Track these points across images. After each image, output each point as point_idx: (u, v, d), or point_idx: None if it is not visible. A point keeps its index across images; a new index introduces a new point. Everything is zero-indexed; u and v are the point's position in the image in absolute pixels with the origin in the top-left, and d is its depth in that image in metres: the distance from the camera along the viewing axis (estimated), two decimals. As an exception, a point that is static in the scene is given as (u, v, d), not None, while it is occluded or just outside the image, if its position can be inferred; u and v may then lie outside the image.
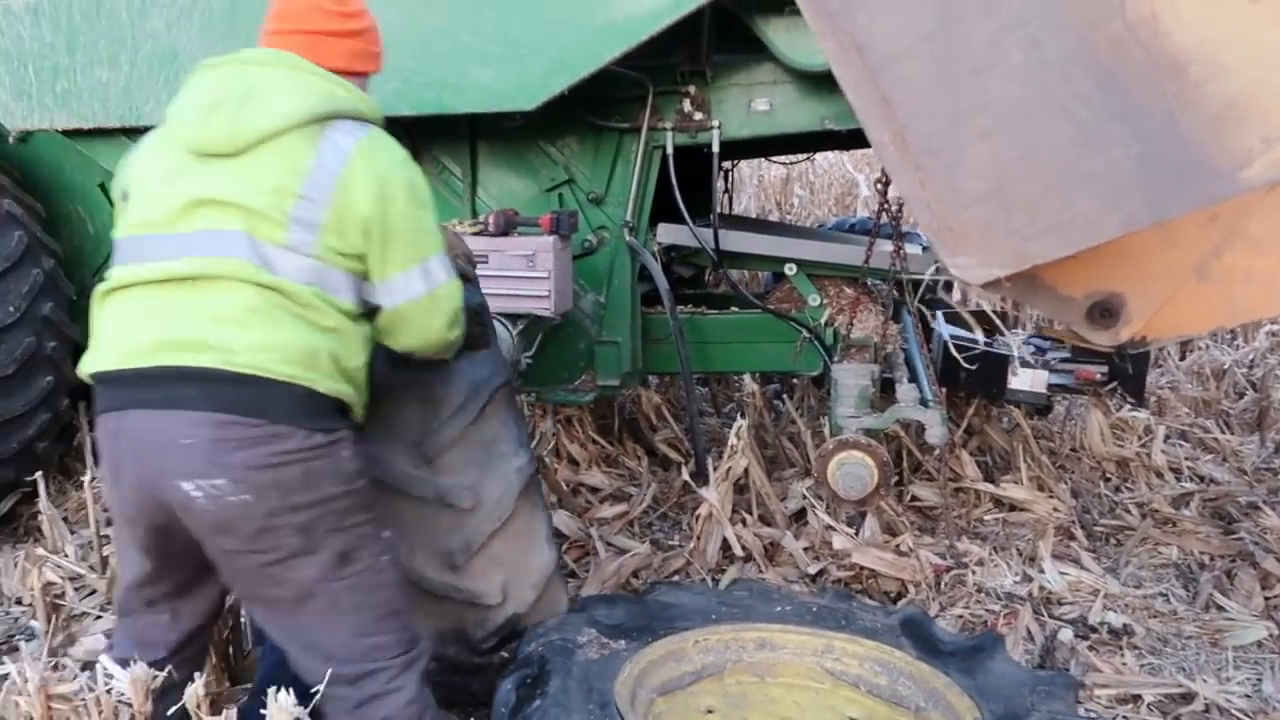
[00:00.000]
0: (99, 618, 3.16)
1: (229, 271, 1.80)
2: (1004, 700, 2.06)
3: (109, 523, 3.52)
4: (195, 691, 1.65)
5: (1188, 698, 2.74)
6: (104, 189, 4.06)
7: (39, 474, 3.57)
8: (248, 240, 1.81)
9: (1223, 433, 4.78)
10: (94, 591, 3.34)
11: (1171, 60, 1.19)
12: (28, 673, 1.66)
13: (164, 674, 1.75)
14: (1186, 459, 4.43)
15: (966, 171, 1.27)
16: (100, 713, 1.65)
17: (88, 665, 1.89)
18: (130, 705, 1.66)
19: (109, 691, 1.67)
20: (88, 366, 1.91)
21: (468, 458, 2.40)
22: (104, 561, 3.45)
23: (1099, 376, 4.13)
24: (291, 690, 1.71)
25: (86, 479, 3.44)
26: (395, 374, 2.18)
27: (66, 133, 3.67)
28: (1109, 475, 4.32)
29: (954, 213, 1.29)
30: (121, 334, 1.87)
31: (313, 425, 1.82)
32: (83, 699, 1.69)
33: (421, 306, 1.97)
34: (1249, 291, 1.65)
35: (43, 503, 3.56)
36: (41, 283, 3.74)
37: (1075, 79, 1.22)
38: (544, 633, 2.39)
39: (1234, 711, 2.66)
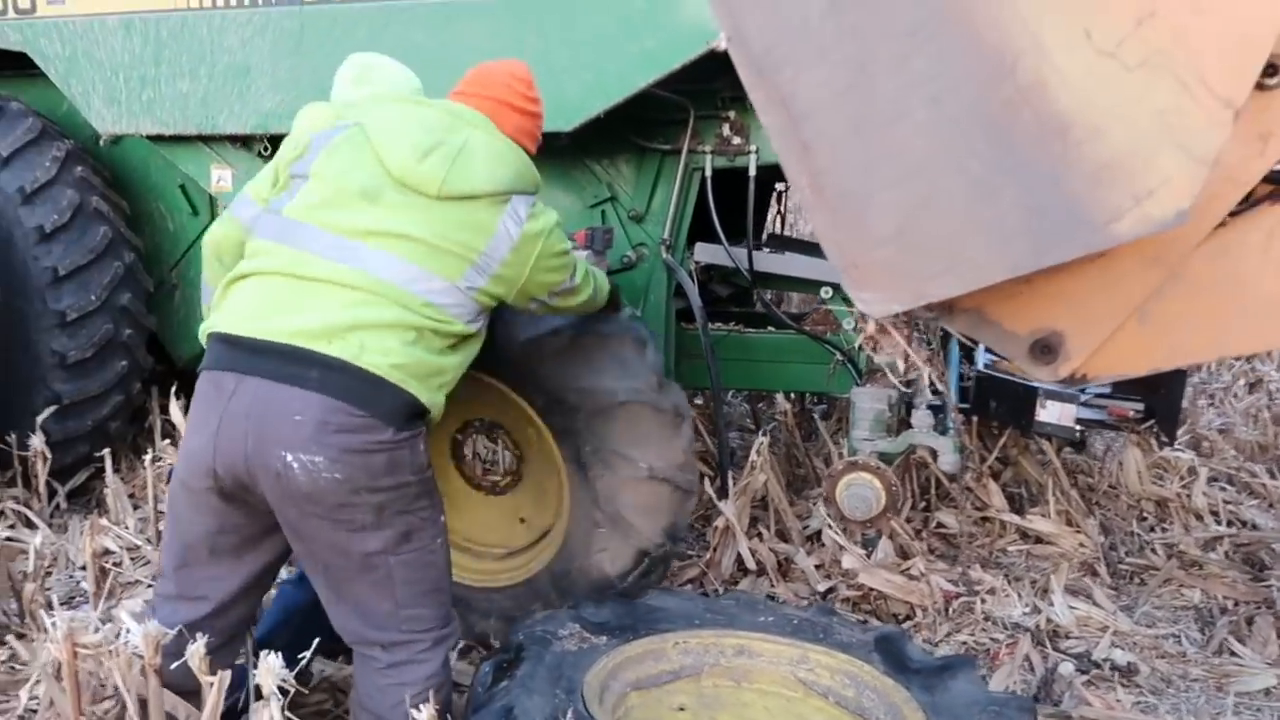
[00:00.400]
0: (150, 585, 3.44)
1: (391, 295, 2.05)
2: (954, 716, 2.13)
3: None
4: (198, 650, 1.84)
5: (1176, 739, 2.75)
6: (184, 190, 4.39)
7: (107, 451, 3.89)
8: (422, 274, 2.09)
9: (1272, 478, 4.66)
10: (148, 562, 3.63)
11: (1056, 122, 1.27)
12: (59, 623, 1.88)
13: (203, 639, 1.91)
14: (1228, 503, 4.34)
15: (874, 216, 1.38)
16: (116, 662, 1.86)
17: (109, 620, 2.10)
18: (142, 657, 1.87)
19: (125, 644, 1.88)
20: (217, 325, 2.11)
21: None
22: (159, 535, 3.74)
23: (1133, 413, 4.11)
24: (281, 655, 1.89)
25: (148, 459, 3.73)
26: None
27: (150, 138, 3.99)
28: (1145, 514, 4.27)
29: (861, 252, 1.40)
30: (264, 308, 2.05)
31: (402, 423, 2.06)
32: (102, 649, 1.90)
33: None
34: (1188, 335, 1.70)
35: (109, 477, 3.88)
36: (121, 275, 4.07)
37: (971, 135, 1.31)
38: (530, 625, 2.54)
39: (1219, 756, 2.65)
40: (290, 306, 2.03)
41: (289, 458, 1.96)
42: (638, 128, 3.79)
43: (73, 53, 3.91)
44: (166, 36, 3.78)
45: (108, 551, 3.40)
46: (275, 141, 3.91)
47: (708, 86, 3.70)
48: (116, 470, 4.02)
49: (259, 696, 1.79)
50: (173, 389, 3.82)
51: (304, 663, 1.95)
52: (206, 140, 3.96)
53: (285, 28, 3.59)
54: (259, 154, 3.93)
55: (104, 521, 3.67)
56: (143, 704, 1.92)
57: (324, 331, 1.99)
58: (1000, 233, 1.33)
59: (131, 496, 4.08)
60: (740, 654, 2.57)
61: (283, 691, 1.80)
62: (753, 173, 3.81)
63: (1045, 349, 1.71)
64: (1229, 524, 4.15)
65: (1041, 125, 1.28)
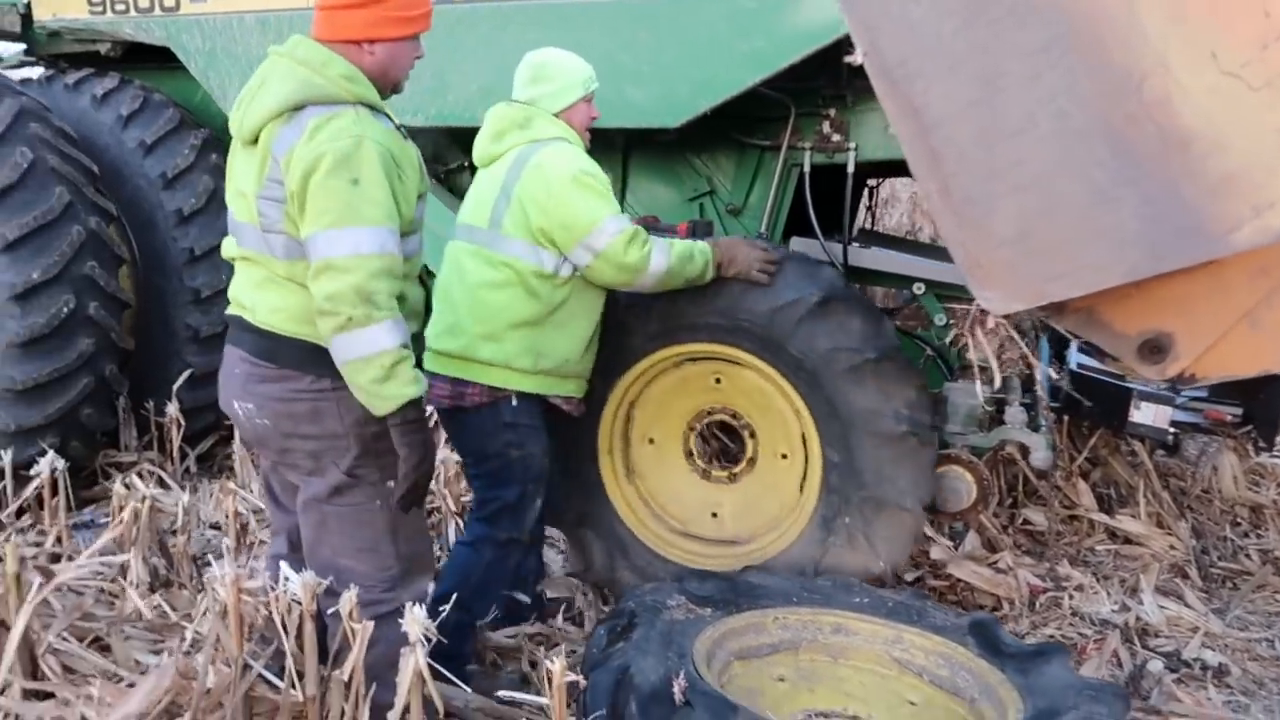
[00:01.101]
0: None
1: (251, 255, 2.23)
2: (1050, 698, 2.22)
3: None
4: (350, 598, 2.05)
5: (1266, 737, 2.78)
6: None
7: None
8: (250, 227, 2.19)
9: (1377, 489, 4.57)
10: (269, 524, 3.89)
11: (1179, 136, 1.36)
12: (227, 570, 2.10)
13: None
14: (1326, 511, 4.29)
15: (998, 219, 1.48)
16: (278, 606, 2.08)
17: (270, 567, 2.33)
18: (300, 604, 2.08)
19: (285, 591, 2.10)
20: None
21: None
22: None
23: (1230, 418, 4.08)
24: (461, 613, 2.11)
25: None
26: None
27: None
28: (1239, 520, 4.25)
29: (984, 253, 1.50)
30: (232, 290, 2.35)
31: (321, 371, 2.17)
32: (264, 596, 2.12)
33: (319, 267, 2.07)
34: (1298, 341, 1.77)
35: (236, 444, 4.16)
36: (83, 240, 3.86)
37: (1095, 147, 1.40)
38: (640, 594, 2.70)
39: (1309, 755, 2.68)
40: (232, 285, 2.35)
41: (235, 405, 2.31)
42: (738, 124, 3.90)
43: (212, 48, 4.19)
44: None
45: (236, 513, 3.65)
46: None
47: (809, 84, 3.79)
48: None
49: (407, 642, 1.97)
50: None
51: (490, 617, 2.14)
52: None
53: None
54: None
55: (232, 485, 3.95)
56: (299, 644, 2.13)
57: (242, 300, 2.29)
58: (1119, 239, 1.43)
59: (254, 463, 4.35)
60: (837, 631, 2.69)
61: (427, 639, 1.98)
62: (851, 169, 3.89)
63: (1155, 349, 1.80)
64: (1326, 532, 4.11)
65: (1164, 139, 1.37)
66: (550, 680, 1.88)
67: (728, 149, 4.08)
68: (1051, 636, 3.34)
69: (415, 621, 1.99)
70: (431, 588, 2.45)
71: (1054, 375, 4.08)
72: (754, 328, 3.02)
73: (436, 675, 2.01)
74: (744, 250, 2.95)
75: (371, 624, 2.05)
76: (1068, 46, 1.41)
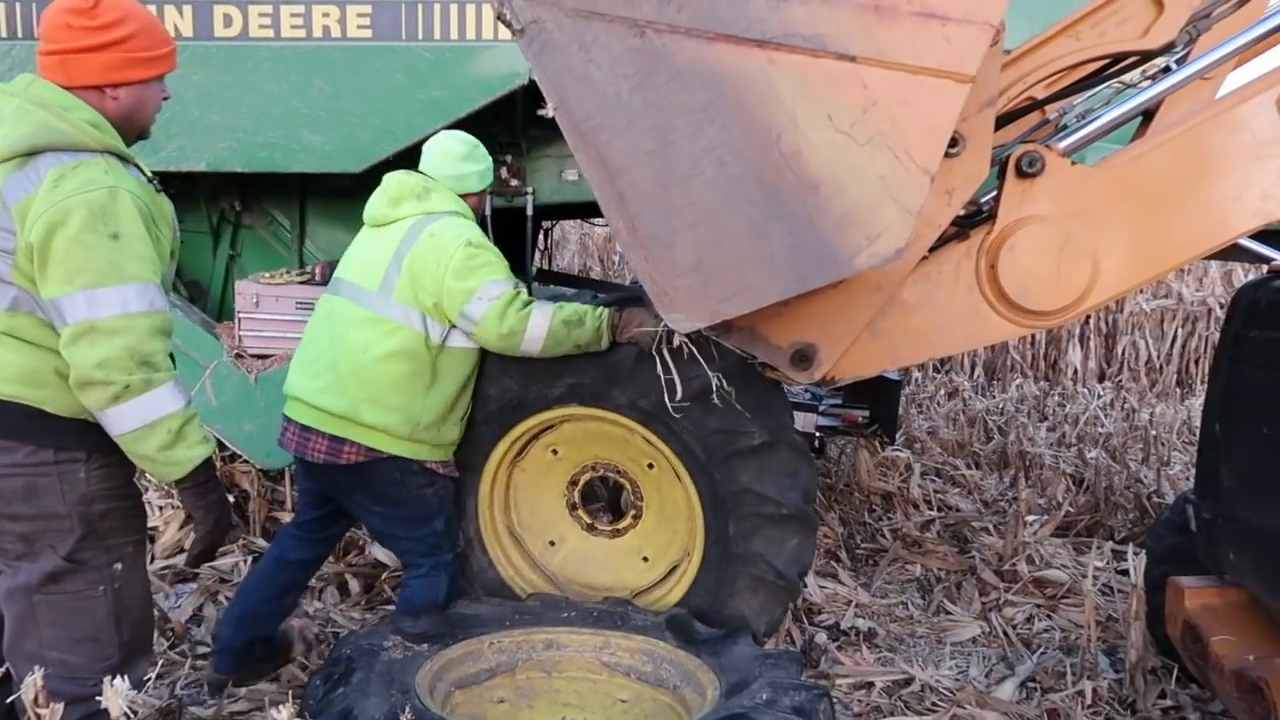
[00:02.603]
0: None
1: None
2: (740, 672, 2.53)
3: None
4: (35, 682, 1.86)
5: (909, 682, 3.29)
6: None
7: None
8: None
9: (970, 469, 5.54)
10: None
11: (810, 181, 1.69)
12: None
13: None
14: (938, 492, 5.13)
15: (677, 252, 1.73)
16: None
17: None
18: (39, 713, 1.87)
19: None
20: None
21: None
22: None
23: (861, 419, 4.81)
24: None
25: None
26: None
27: None
28: (874, 506, 4.96)
29: (668, 281, 1.75)
30: None
31: (43, 441, 1.93)
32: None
33: (78, 331, 1.90)
34: (906, 343, 2.21)
35: None
36: None
37: (749, 190, 1.70)
38: (354, 639, 2.68)
39: (942, 690, 3.23)
40: None
41: None
42: (419, 168, 4.00)
43: None
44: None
45: None
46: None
47: (486, 131, 3.98)
48: None
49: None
50: None
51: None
52: None
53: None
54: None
55: None
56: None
57: None
58: (773, 265, 1.73)
59: None
60: (549, 647, 2.84)
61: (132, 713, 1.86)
62: (530, 213, 4.12)
63: (803, 357, 2.15)
64: (938, 509, 4.92)
65: (800, 183, 1.69)
66: (279, 729, 1.84)
67: (408, 193, 4.15)
68: (736, 627, 3.72)
69: (116, 695, 1.86)
70: (149, 669, 2.21)
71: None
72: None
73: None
74: (640, 315, 2.84)
75: (68, 709, 1.85)
76: (721, 106, 1.68)
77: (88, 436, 1.97)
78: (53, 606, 2.01)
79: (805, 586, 3.83)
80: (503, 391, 3.03)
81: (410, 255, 2.81)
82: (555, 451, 3.26)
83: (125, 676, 1.94)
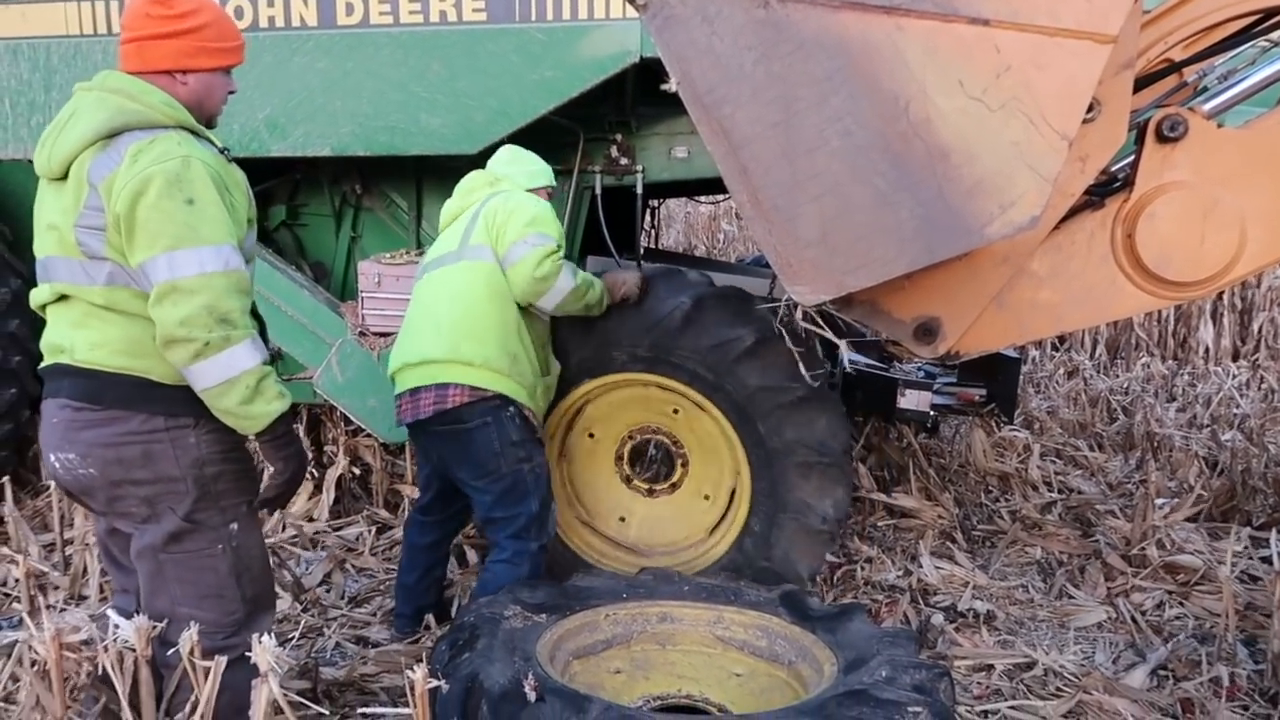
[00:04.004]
0: (63, 609, 3.43)
1: (65, 288, 2.10)
2: (857, 649, 2.50)
3: (70, 523, 3.81)
4: (190, 638, 1.99)
5: (1031, 666, 3.21)
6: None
7: (5, 480, 3.83)
8: (63, 260, 2.09)
9: (1092, 451, 5.34)
10: (57, 587, 3.60)
11: (940, 149, 1.64)
12: (44, 622, 1.98)
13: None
14: (1058, 473, 4.96)
15: (801, 224, 1.71)
16: (108, 657, 1.98)
17: (94, 618, 2.20)
18: (134, 650, 2.00)
19: (115, 640, 2.01)
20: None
21: None
22: (66, 561, 3.72)
23: (978, 398, 4.67)
24: None
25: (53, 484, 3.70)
26: None
27: (39, 163, 3.97)
28: (990, 487, 4.83)
29: (792, 253, 1.73)
30: (45, 339, 2.20)
31: (154, 409, 2.07)
32: (93, 647, 2.02)
33: (162, 292, 2.00)
34: (1034, 317, 2.14)
35: (9, 506, 3.82)
36: (9, 301, 4.02)
37: (876, 160, 1.67)
38: (476, 607, 2.76)
39: (1066, 675, 3.13)
40: (46, 332, 2.20)
41: (54, 458, 2.15)
42: (531, 149, 4.05)
43: (-45, 77, 3.85)
44: (58, 62, 3.78)
45: (30, 574, 3.35)
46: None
47: (595, 111, 4.01)
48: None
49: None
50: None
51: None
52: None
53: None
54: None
55: (6, 550, 3.63)
56: (133, 693, 2.04)
57: (58, 343, 2.14)
58: (900, 236, 1.69)
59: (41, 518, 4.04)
60: (664, 620, 2.87)
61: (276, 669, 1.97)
62: (639, 191, 4.13)
63: (926, 332, 2.11)
64: (1059, 491, 4.76)
65: (929, 152, 1.65)
66: (413, 690, 1.92)
67: (520, 174, 4.21)
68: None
69: (265, 651, 1.97)
70: (271, 624, 2.35)
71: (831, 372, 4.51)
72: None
73: (292, 704, 1.99)
74: (624, 276, 3.25)
75: (224, 660, 1.98)
76: (847, 75, 1.65)
77: (194, 403, 2.08)
78: (178, 565, 2.16)
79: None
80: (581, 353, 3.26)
81: (484, 210, 3.10)
82: (591, 435, 3.44)
83: (251, 629, 2.14)
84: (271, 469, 2.14)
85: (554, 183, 3.42)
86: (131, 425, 2.07)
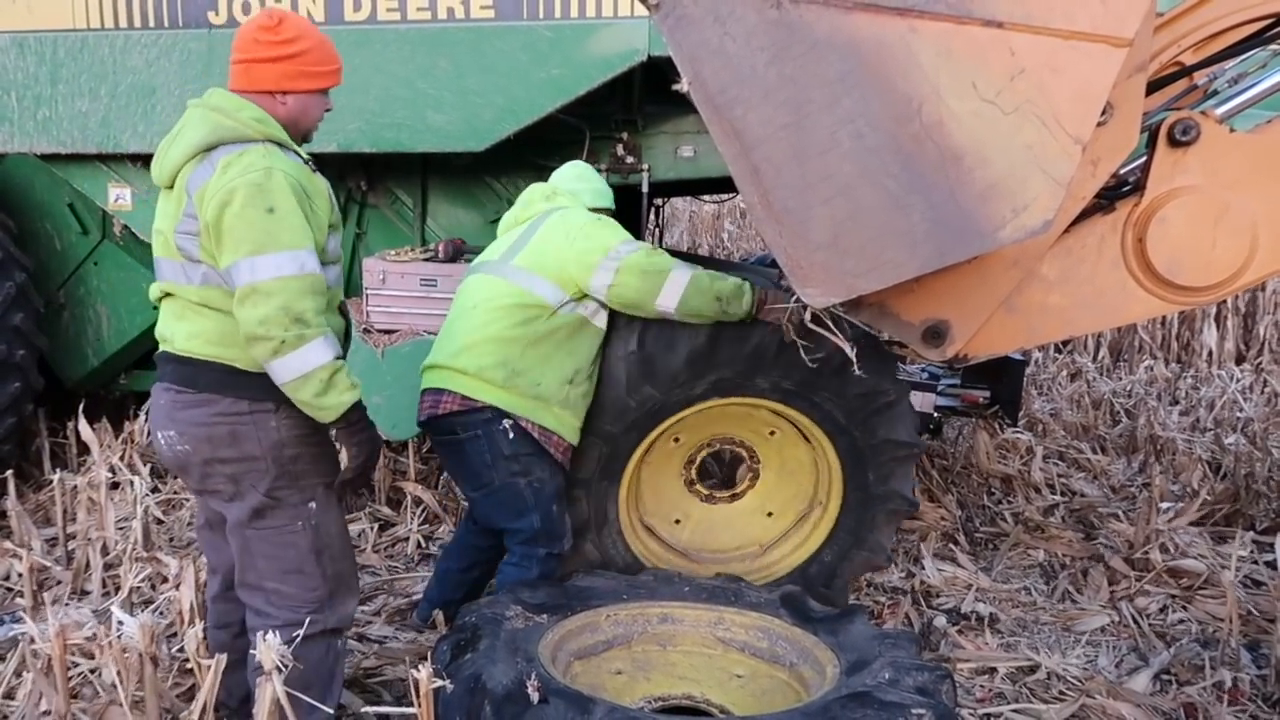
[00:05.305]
0: (67, 604, 3.43)
1: (170, 287, 2.31)
2: (859, 651, 2.50)
3: (73, 518, 3.80)
4: (195, 632, 1.99)
5: (1034, 670, 3.20)
6: (73, 209, 4.35)
7: (8, 474, 3.82)
8: (170, 263, 2.29)
9: (1095, 454, 5.33)
10: (60, 582, 3.58)
11: (953, 152, 1.63)
12: (48, 618, 1.98)
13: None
14: (1061, 476, 4.95)
15: (812, 226, 1.70)
16: (112, 654, 1.98)
17: (98, 614, 2.19)
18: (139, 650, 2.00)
19: (119, 637, 2.00)
20: None
21: None
22: (69, 556, 3.72)
23: (981, 400, 4.67)
24: None
25: (56, 478, 3.70)
26: None
27: (43, 157, 3.96)
28: (993, 489, 4.82)
29: (803, 255, 1.72)
30: (156, 329, 2.41)
31: (239, 393, 2.24)
32: (97, 644, 2.02)
33: (243, 294, 2.15)
34: (1044, 320, 2.13)
35: (11, 501, 3.82)
36: (13, 295, 4.02)
37: (887, 162, 1.66)
38: (477, 608, 2.75)
39: (1069, 679, 3.13)
40: (159, 322, 2.42)
41: (159, 435, 2.35)
42: (536, 147, 4.05)
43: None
44: (64, 56, 3.78)
45: (33, 569, 3.35)
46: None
47: (602, 110, 4.00)
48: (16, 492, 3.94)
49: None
50: (79, 408, 3.79)
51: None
52: (105, 159, 3.97)
53: (193, 49, 3.67)
54: (163, 172, 3.96)
55: (9, 544, 3.62)
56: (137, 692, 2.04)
57: (164, 333, 2.37)
58: (912, 239, 1.68)
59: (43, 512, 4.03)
60: (664, 621, 2.86)
61: (283, 667, 1.97)
62: (645, 189, 4.12)
63: (935, 334, 2.10)
64: (1062, 494, 4.75)
65: (941, 155, 1.64)
66: (417, 690, 1.91)
67: (526, 172, 4.20)
68: (853, 605, 3.68)
69: (269, 649, 1.96)
70: (354, 611, 2.51)
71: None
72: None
73: (297, 702, 1.99)
74: (780, 297, 2.87)
75: (223, 660, 2.06)
76: (859, 77, 1.64)
77: (275, 390, 2.23)
78: (262, 540, 2.33)
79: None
80: (644, 400, 3.05)
81: (540, 230, 2.99)
82: (676, 439, 3.34)
83: (333, 609, 2.38)
84: (348, 453, 2.27)
85: (605, 205, 3.30)
86: (221, 407, 2.24)
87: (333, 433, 2.27)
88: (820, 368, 2.91)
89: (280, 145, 2.27)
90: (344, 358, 2.28)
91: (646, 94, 3.97)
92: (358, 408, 2.28)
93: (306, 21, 2.38)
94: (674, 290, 2.83)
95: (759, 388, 3.05)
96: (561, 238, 2.94)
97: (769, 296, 2.88)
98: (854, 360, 2.60)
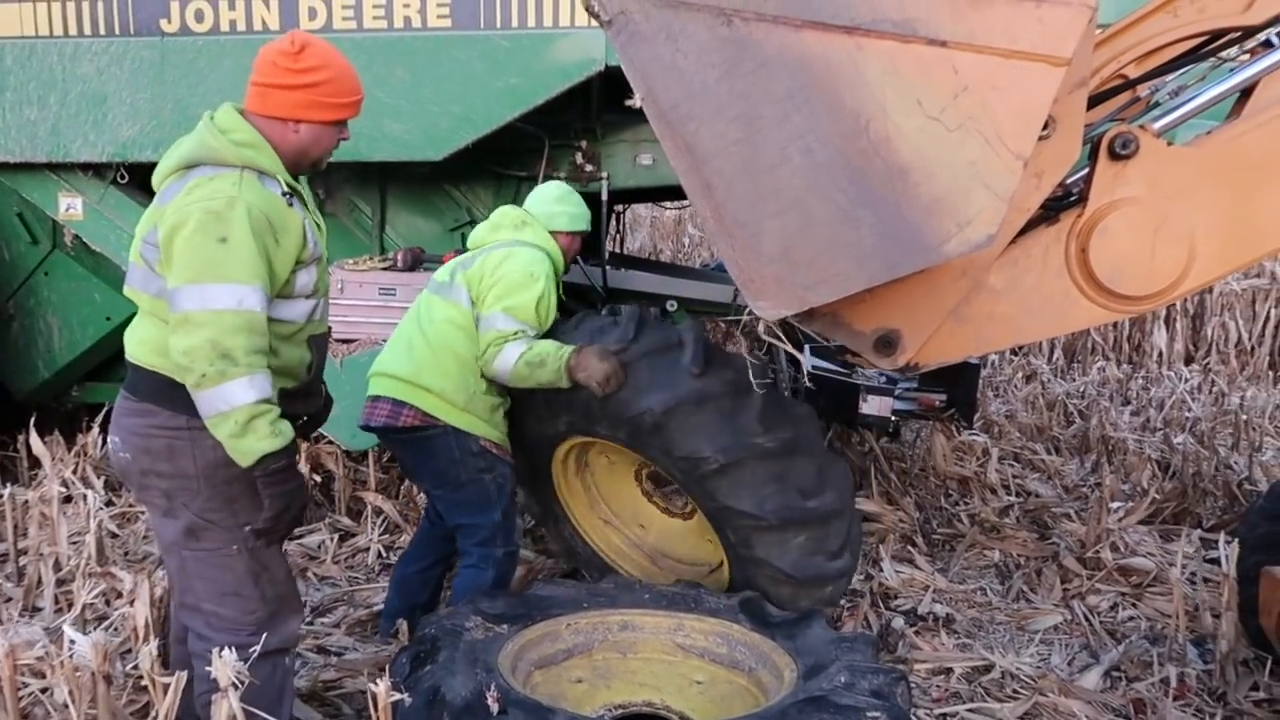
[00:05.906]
0: (17, 622, 3.37)
1: (133, 292, 2.28)
2: (816, 655, 2.53)
3: (24, 533, 3.74)
4: (150, 652, 1.97)
5: (989, 669, 3.26)
6: (22, 218, 4.27)
7: (-44, 487, 3.75)
8: (136, 269, 2.26)
9: (1049, 454, 5.43)
10: (10, 599, 3.52)
11: (899, 167, 1.67)
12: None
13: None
14: (1016, 477, 5.04)
15: (764, 240, 1.73)
16: (64, 674, 1.95)
17: (49, 631, 2.16)
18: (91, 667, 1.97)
19: (70, 656, 1.98)
20: None
21: None
22: (20, 572, 3.65)
23: (938, 403, 4.74)
24: None
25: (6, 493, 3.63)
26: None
27: (-10, 165, 3.90)
28: (950, 491, 4.90)
29: (755, 268, 1.75)
30: None
31: (179, 407, 2.16)
32: (48, 663, 1.99)
33: (176, 320, 2.11)
34: (992, 329, 2.17)
35: (-42, 514, 3.74)
36: None
37: (836, 177, 1.69)
38: (436, 619, 2.75)
39: (1022, 677, 3.19)
40: None
41: (111, 438, 2.33)
42: (495, 156, 4.06)
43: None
44: (11, 64, 3.72)
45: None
46: (131, 169, 3.91)
47: (560, 118, 4.01)
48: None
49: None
50: (30, 421, 3.73)
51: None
52: (55, 168, 3.91)
53: (145, 58, 3.63)
54: (114, 181, 3.91)
55: (-44, 559, 3.55)
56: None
57: (126, 338, 2.34)
58: (860, 252, 1.72)
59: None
60: (624, 629, 2.88)
61: (239, 684, 1.95)
62: (604, 197, 4.14)
63: (886, 343, 2.13)
64: (1017, 494, 4.84)
65: (889, 170, 1.67)
66: (376, 702, 1.91)
67: (485, 180, 4.22)
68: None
69: (225, 666, 1.95)
70: (298, 628, 2.45)
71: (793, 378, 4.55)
72: None
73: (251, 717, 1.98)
74: (594, 362, 2.94)
75: (183, 676, 2.06)
76: (808, 93, 1.67)
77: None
78: (198, 561, 2.27)
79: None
80: (527, 429, 3.25)
81: (486, 256, 3.10)
82: (608, 459, 3.44)
83: (274, 630, 2.30)
84: (265, 503, 2.18)
85: (581, 229, 3.33)
86: (160, 419, 2.20)
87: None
88: (639, 422, 2.90)
89: (263, 174, 2.19)
90: (271, 400, 2.14)
91: (605, 102, 3.99)
92: (279, 456, 2.15)
93: (331, 49, 2.27)
94: (499, 375, 3.02)
95: (602, 434, 3.12)
96: (492, 273, 3.05)
97: (582, 360, 2.94)
98: (808, 366, 2.63)
